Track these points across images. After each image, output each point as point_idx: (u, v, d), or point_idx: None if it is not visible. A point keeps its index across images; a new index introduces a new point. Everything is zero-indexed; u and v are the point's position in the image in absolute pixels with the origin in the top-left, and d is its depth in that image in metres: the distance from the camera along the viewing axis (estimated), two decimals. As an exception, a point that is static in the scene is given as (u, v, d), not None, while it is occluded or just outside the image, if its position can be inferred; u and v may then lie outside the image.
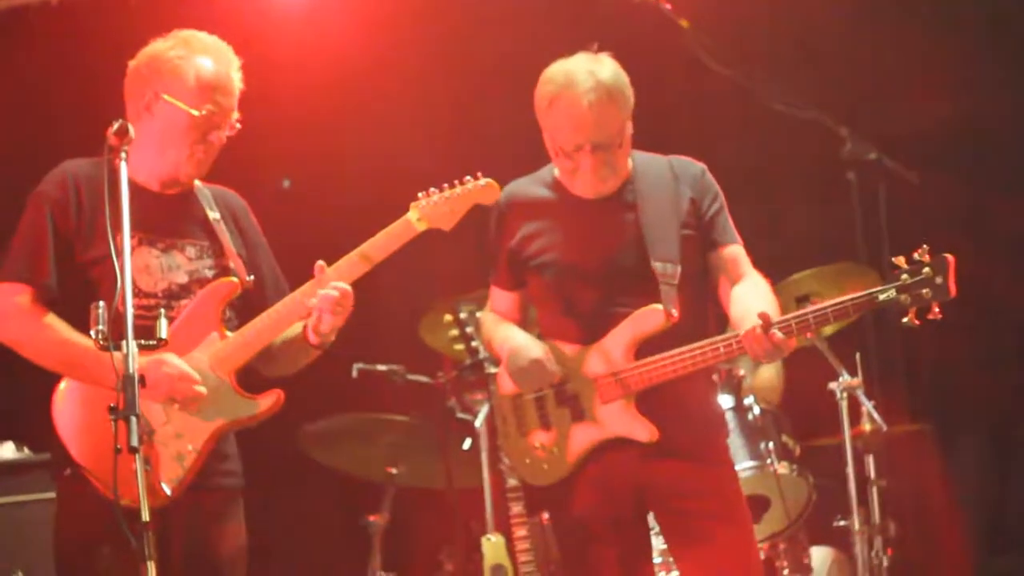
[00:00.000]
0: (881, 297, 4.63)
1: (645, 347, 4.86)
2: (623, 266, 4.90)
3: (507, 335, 5.03)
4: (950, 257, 4.59)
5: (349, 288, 4.65)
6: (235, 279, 4.75)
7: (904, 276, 4.60)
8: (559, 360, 4.94)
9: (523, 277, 5.06)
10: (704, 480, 4.90)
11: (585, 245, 4.93)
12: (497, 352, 5.13)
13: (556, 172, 5.04)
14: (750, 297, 4.85)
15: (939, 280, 4.57)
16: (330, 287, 4.63)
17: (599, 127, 4.82)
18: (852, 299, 4.68)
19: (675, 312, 4.83)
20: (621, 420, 4.86)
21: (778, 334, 4.63)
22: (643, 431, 4.84)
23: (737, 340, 4.73)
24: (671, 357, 4.81)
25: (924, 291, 4.57)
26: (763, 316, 4.63)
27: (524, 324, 5.16)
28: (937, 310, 4.57)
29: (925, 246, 4.61)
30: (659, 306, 4.83)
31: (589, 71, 4.82)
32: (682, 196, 4.97)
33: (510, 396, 5.08)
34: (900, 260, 4.63)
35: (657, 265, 4.87)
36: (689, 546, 4.89)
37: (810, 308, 4.73)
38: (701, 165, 5.08)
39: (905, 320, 4.61)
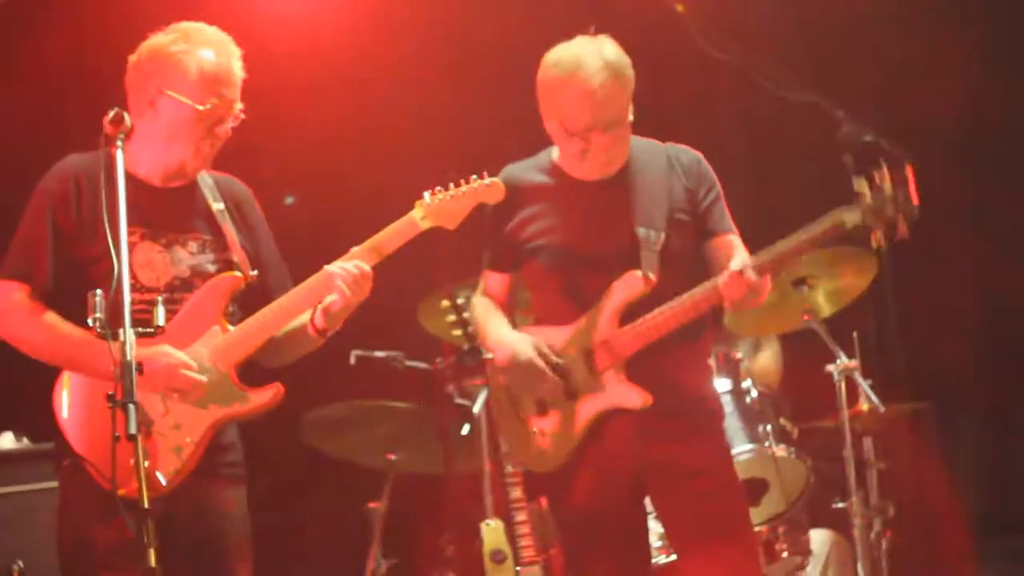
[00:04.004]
0: (848, 222, 4.68)
1: (629, 316, 4.89)
2: (619, 249, 4.91)
3: (499, 336, 5.07)
4: (908, 168, 4.63)
5: (368, 269, 4.67)
6: (238, 273, 4.75)
7: (867, 197, 4.65)
8: (547, 343, 4.97)
9: (518, 260, 5.08)
10: (702, 461, 4.93)
11: (582, 229, 4.96)
12: (489, 347, 5.15)
13: (554, 156, 5.06)
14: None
15: (901, 195, 4.62)
16: (351, 263, 4.65)
17: (609, 107, 4.84)
18: (820, 227, 4.73)
19: (652, 276, 4.86)
20: (614, 390, 4.90)
21: (752, 275, 4.67)
22: (636, 398, 4.88)
23: (713, 286, 4.77)
24: (653, 316, 4.84)
25: (889, 208, 4.62)
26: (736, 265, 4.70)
27: (513, 306, 5.21)
28: (904, 228, 4.60)
29: (884, 166, 4.67)
30: (638, 272, 4.85)
31: (595, 52, 4.85)
32: (677, 183, 5.00)
33: (504, 387, 5.11)
34: (862, 184, 4.67)
35: (640, 230, 4.91)
36: (687, 526, 4.91)
37: (781, 243, 4.74)
38: (697, 153, 5.11)
39: (874, 243, 4.64)
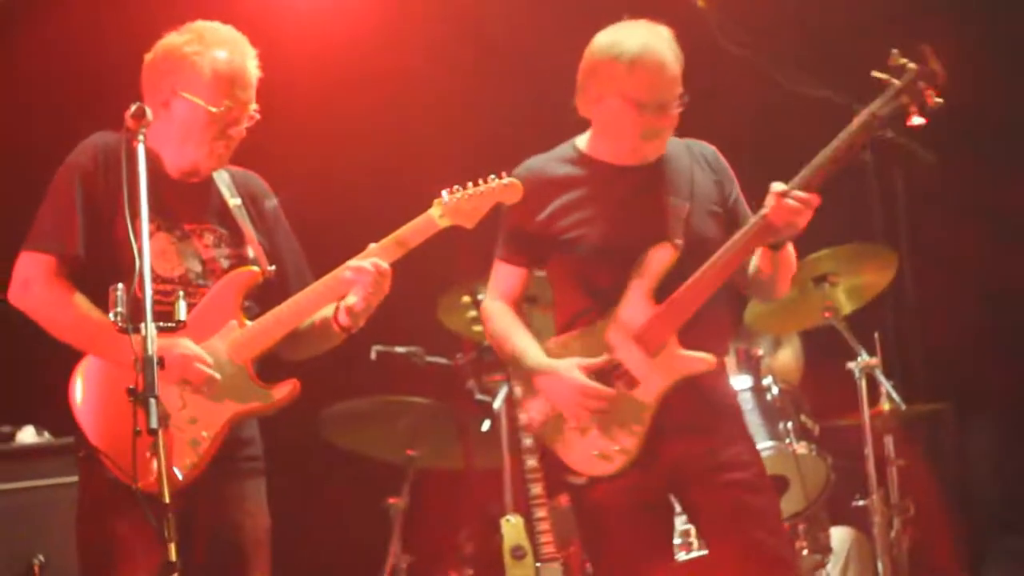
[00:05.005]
0: (882, 111, 4.68)
1: (662, 290, 4.85)
2: (657, 232, 4.88)
3: (538, 363, 4.92)
4: (925, 46, 4.64)
5: (387, 266, 4.66)
6: (255, 268, 4.76)
7: (894, 82, 4.66)
8: (588, 347, 4.90)
9: (545, 254, 5.00)
10: (739, 453, 4.93)
11: (622, 215, 4.91)
12: (524, 370, 5.01)
13: (582, 146, 5.02)
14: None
15: (925, 68, 4.63)
16: (367, 261, 4.65)
17: (676, 84, 4.87)
18: (855, 127, 4.71)
19: (679, 242, 4.84)
20: (675, 363, 4.83)
21: (800, 193, 4.68)
22: (700, 363, 4.84)
23: (760, 221, 4.75)
24: (697, 278, 4.81)
25: (918, 84, 4.63)
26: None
27: (522, 303, 5.13)
28: (937, 98, 4.63)
29: (895, 50, 4.67)
30: (665, 243, 4.84)
31: (657, 32, 4.88)
32: (706, 176, 5.02)
33: (553, 403, 4.95)
34: (880, 74, 4.67)
35: (671, 199, 4.89)
36: (729, 518, 4.85)
37: (821, 153, 4.72)
38: (713, 147, 5.11)
39: (911, 122, 4.66)
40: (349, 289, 4.68)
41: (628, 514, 4.88)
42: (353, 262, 4.69)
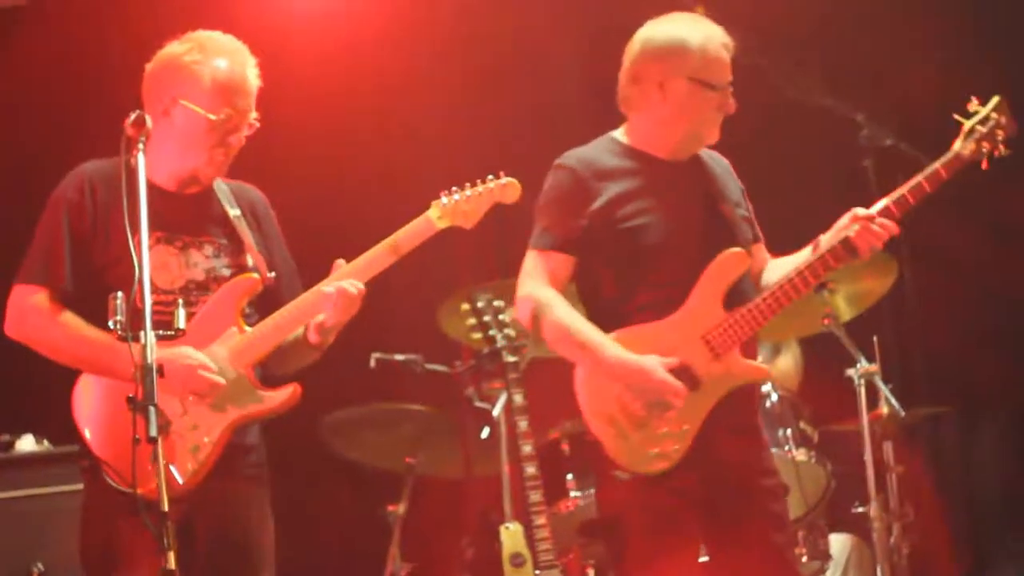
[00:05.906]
0: (966, 153, 4.89)
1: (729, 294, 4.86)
2: (715, 224, 4.91)
3: (617, 355, 4.81)
4: (997, 98, 4.93)
5: (362, 286, 4.68)
6: (256, 276, 4.77)
7: (978, 127, 4.88)
8: (652, 341, 4.84)
9: (598, 243, 4.89)
10: (767, 459, 5.01)
11: (680, 212, 4.91)
12: (601, 364, 4.86)
13: (624, 139, 5.00)
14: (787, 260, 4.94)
15: (1004, 119, 4.91)
16: (348, 282, 4.65)
17: (731, 71, 4.97)
18: (938, 164, 4.87)
19: (751, 249, 4.94)
20: (737, 369, 4.84)
21: (886, 222, 4.80)
22: (759, 372, 4.93)
23: (843, 243, 4.80)
24: (773, 291, 4.84)
25: (998, 132, 4.89)
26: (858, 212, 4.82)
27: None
28: (1003, 147, 4.92)
29: (974, 98, 4.90)
30: (739, 248, 4.87)
31: (707, 21, 4.99)
32: (732, 184, 5.07)
33: (615, 398, 4.88)
34: (962, 119, 4.89)
35: (721, 202, 4.94)
36: (755, 523, 4.87)
37: (904, 186, 4.87)
38: (725, 159, 5.13)
39: (984, 166, 4.90)
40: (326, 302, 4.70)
41: (666, 513, 4.84)
42: (329, 282, 4.69)
